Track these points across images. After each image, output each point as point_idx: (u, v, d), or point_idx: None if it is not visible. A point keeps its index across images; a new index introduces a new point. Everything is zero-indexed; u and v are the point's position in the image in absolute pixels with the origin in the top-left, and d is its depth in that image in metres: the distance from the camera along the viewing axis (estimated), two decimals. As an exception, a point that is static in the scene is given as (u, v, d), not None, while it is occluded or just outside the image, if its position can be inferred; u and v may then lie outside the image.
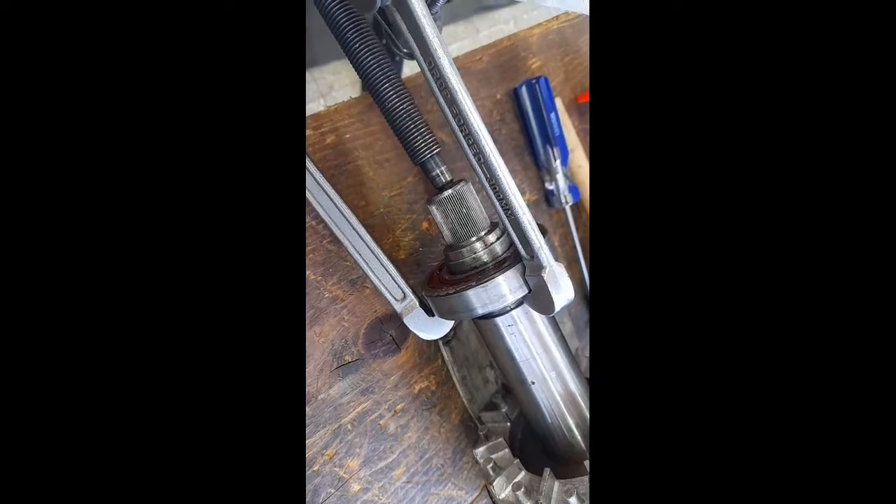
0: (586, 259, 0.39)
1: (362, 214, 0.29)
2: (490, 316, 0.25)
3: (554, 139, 0.34)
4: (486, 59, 0.35)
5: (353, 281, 0.29)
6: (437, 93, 0.22)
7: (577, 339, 0.41)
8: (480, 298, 0.23)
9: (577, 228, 0.39)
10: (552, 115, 0.34)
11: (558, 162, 0.35)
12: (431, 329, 0.26)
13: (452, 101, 0.21)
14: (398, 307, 0.26)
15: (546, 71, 0.38)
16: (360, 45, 0.23)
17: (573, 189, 0.36)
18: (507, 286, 0.23)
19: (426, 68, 0.22)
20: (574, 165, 0.37)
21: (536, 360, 0.26)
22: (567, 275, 0.23)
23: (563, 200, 0.36)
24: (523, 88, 0.34)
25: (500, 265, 0.24)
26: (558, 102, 0.36)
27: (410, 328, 0.26)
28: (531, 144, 0.36)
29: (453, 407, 0.32)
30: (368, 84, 0.24)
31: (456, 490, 0.32)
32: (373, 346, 0.29)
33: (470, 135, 0.22)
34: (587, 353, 0.39)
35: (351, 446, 0.28)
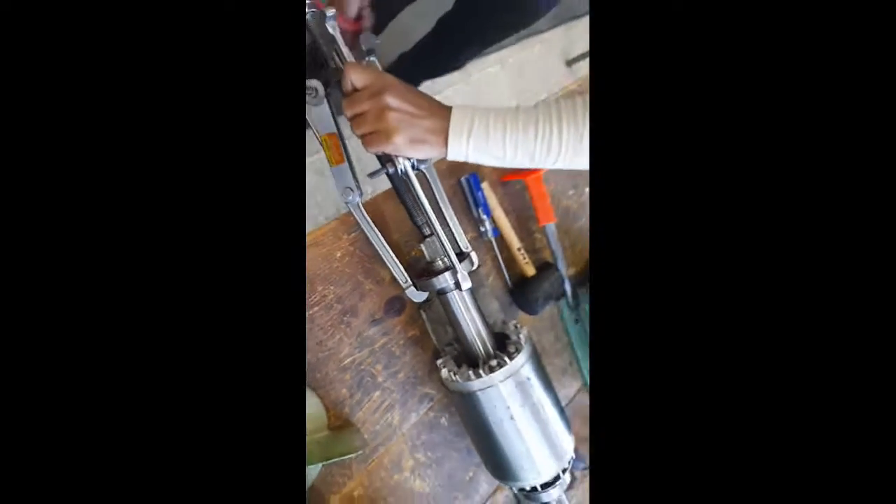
0: (504, 266, 0.68)
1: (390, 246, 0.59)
2: (443, 292, 0.54)
3: (481, 203, 0.65)
4: (443, 164, 0.65)
5: (379, 280, 0.58)
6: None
7: (503, 313, 0.70)
8: (438, 282, 0.53)
9: (501, 251, 0.69)
10: (479, 193, 0.64)
11: (484, 216, 0.65)
12: (417, 297, 0.56)
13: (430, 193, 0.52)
14: (404, 286, 0.55)
15: (478, 166, 0.68)
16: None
17: (494, 230, 0.66)
18: (447, 278, 0.53)
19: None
20: (495, 216, 0.67)
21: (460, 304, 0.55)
22: (467, 273, 0.52)
23: (489, 236, 0.66)
24: (462, 180, 0.64)
25: (447, 269, 0.54)
26: (485, 185, 0.66)
27: (408, 296, 0.55)
28: (469, 206, 0.66)
29: (429, 345, 0.62)
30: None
31: (428, 388, 0.62)
32: (388, 310, 0.59)
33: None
34: (511, 321, 0.68)
35: (375, 360, 0.58)
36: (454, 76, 1.63)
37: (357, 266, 0.56)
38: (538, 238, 0.74)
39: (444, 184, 0.64)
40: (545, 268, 0.71)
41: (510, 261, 0.69)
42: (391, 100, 0.40)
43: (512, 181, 0.70)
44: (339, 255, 0.55)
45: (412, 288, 0.55)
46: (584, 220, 0.79)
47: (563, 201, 0.77)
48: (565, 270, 0.72)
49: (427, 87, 1.11)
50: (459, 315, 0.54)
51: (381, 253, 0.54)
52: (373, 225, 0.52)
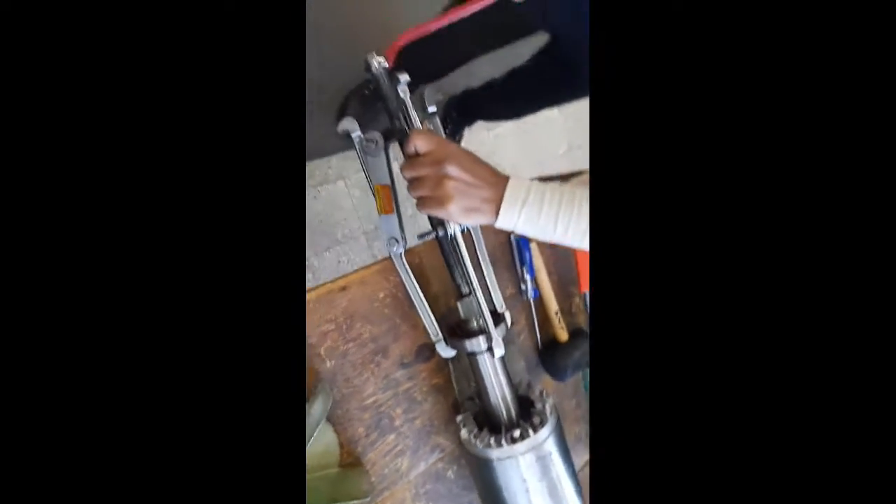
0: (538, 328, 0.68)
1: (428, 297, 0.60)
2: (473, 354, 0.54)
3: (527, 263, 0.64)
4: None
5: (415, 324, 0.59)
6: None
7: (528, 374, 0.69)
8: (470, 345, 0.53)
9: (537, 311, 0.68)
10: (527, 253, 0.64)
11: (527, 276, 0.64)
12: (446, 352, 0.56)
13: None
14: (434, 339, 0.56)
15: (532, 221, 0.68)
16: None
17: (534, 291, 0.65)
18: (481, 342, 0.53)
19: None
20: (538, 278, 0.67)
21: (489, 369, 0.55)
22: (500, 339, 0.51)
23: (528, 297, 0.65)
24: (511, 237, 0.64)
25: (481, 332, 0.54)
26: (533, 245, 0.66)
27: (437, 350, 0.56)
28: (514, 263, 0.66)
29: (451, 394, 0.61)
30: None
31: (442, 439, 0.61)
32: (418, 355, 0.59)
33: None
34: (536, 384, 0.67)
35: (397, 403, 0.58)
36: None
37: (397, 308, 0.57)
38: (576, 303, 0.73)
39: (493, 238, 0.64)
40: (578, 334, 0.70)
41: (544, 321, 0.69)
42: (451, 169, 0.41)
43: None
44: (381, 295, 0.56)
45: (442, 342, 0.55)
46: (625, 291, 0.78)
47: (608, 269, 0.76)
48: (598, 340, 0.71)
49: (480, 125, 1.12)
50: (486, 378, 0.54)
51: (415, 304, 0.54)
52: (412, 276, 0.53)
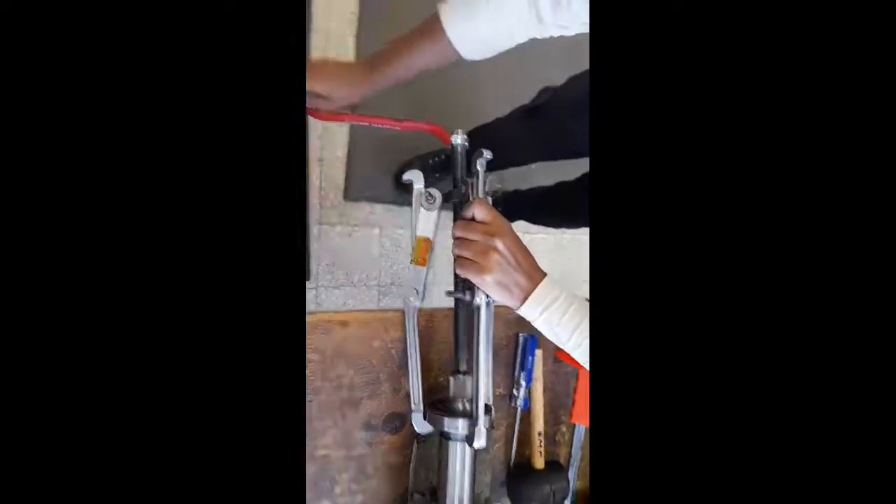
0: (517, 443, 0.62)
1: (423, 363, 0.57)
2: (448, 437, 0.50)
3: (527, 368, 0.62)
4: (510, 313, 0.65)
5: (397, 388, 0.56)
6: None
7: (491, 490, 0.62)
8: (449, 425, 0.49)
9: (521, 424, 0.63)
10: (530, 358, 0.62)
11: (523, 381, 0.61)
12: (421, 426, 0.52)
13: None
14: (413, 408, 0.52)
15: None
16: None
17: (525, 401, 0.62)
18: (461, 425, 0.49)
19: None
20: (533, 388, 0.64)
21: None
22: (483, 432, 0.47)
23: (518, 404, 0.61)
24: (520, 336, 0.63)
25: (464, 414, 0.50)
26: (538, 352, 0.64)
27: (412, 422, 0.51)
28: (513, 362, 0.63)
29: (402, 481, 0.55)
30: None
31: (379, 531, 0.53)
32: (386, 423, 0.54)
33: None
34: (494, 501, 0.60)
35: (345, 468, 0.52)
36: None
37: (385, 364, 0.54)
38: (563, 432, 0.68)
39: (501, 330, 0.63)
40: (555, 468, 0.64)
41: (524, 439, 0.63)
42: (500, 244, 0.43)
43: (566, 362, 0.67)
44: (376, 344, 0.54)
45: (420, 415, 0.52)
46: (615, 439, 0.72)
47: (604, 409, 0.71)
48: (575, 481, 0.64)
49: (519, 224, 1.17)
50: (452, 469, 0.49)
51: (410, 361, 0.52)
52: (416, 333, 0.52)
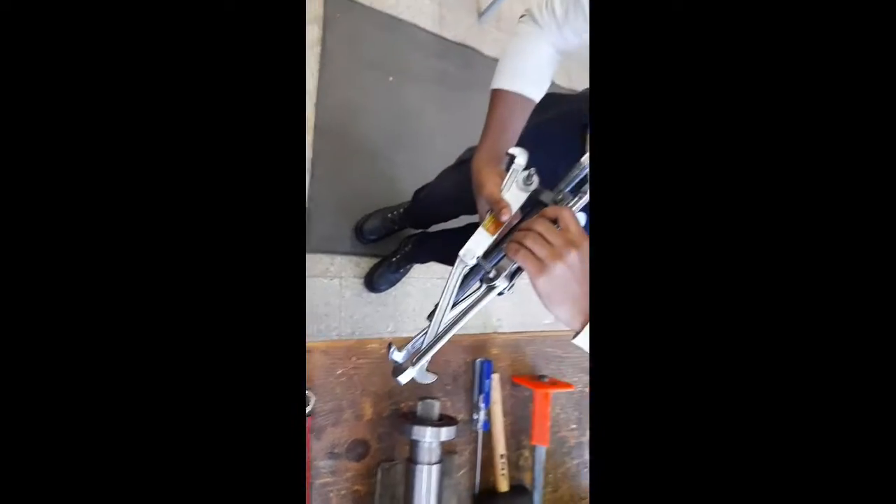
0: (480, 468, 0.64)
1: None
2: (411, 461, 0.52)
3: (484, 392, 0.65)
4: (466, 340, 0.70)
5: (359, 415, 0.57)
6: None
7: (457, 521, 0.62)
8: (417, 433, 0.51)
9: (483, 449, 0.65)
10: (487, 381, 0.66)
11: (482, 405, 0.65)
12: (423, 377, 0.49)
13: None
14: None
15: (497, 357, 0.71)
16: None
17: (485, 423, 0.65)
18: (428, 434, 0.51)
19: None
20: (492, 411, 0.67)
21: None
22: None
23: (479, 427, 0.64)
24: (476, 362, 0.67)
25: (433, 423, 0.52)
26: (495, 376, 0.68)
27: (399, 377, 0.48)
28: (473, 389, 0.67)
29: (368, 512, 0.55)
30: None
31: (344, 568, 0.52)
32: (350, 450, 0.56)
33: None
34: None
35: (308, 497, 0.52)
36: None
37: (348, 392, 0.57)
38: (526, 456, 0.70)
39: (459, 357, 0.67)
40: (519, 491, 0.65)
41: (488, 464, 0.65)
42: (573, 257, 0.41)
43: (523, 386, 0.71)
44: (339, 372, 0.57)
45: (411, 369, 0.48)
46: (576, 463, 0.75)
47: (563, 431, 0.75)
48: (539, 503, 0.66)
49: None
50: (418, 496, 0.51)
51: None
52: (454, 291, 0.48)
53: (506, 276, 0.46)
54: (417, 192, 1.15)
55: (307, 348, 0.55)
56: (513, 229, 0.48)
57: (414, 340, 0.49)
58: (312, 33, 1.37)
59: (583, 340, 0.42)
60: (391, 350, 0.48)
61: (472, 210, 1.12)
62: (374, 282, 1.33)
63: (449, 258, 0.51)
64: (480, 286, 0.48)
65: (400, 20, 1.62)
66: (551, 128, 0.68)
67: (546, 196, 0.49)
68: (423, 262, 1.28)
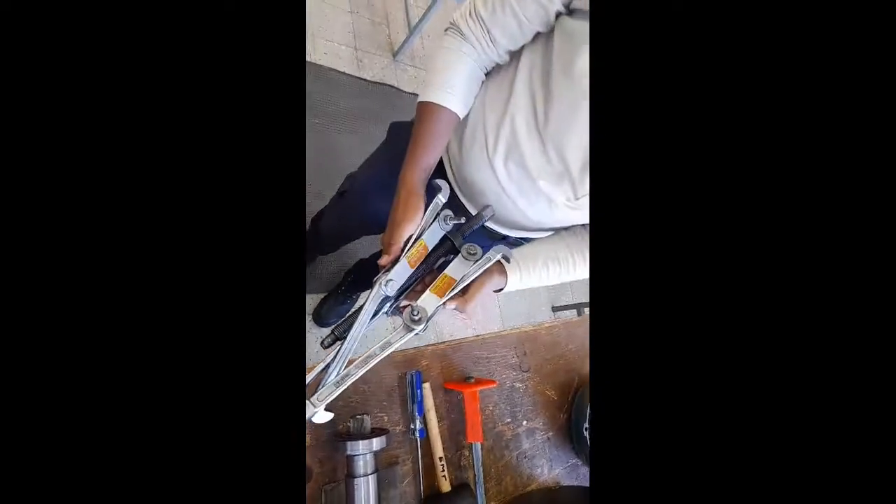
0: (423, 473, 0.69)
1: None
2: (351, 476, 0.55)
3: (417, 401, 0.71)
4: (397, 356, 0.75)
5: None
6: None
7: (405, 528, 0.66)
8: (351, 447, 0.55)
9: (423, 456, 0.70)
10: (419, 391, 0.71)
11: (417, 414, 0.70)
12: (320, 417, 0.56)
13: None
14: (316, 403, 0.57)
15: (428, 367, 0.77)
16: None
17: (421, 431, 0.70)
18: (360, 446, 0.55)
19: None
20: (427, 417, 0.72)
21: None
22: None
23: (416, 435, 0.69)
24: (408, 374, 0.73)
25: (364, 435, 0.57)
26: (426, 385, 0.73)
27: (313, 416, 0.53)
28: (408, 401, 0.72)
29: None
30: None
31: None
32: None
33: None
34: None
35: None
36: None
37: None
38: (466, 456, 0.75)
39: (391, 372, 0.72)
40: (462, 489, 0.71)
41: (429, 470, 0.70)
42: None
43: (454, 391, 0.77)
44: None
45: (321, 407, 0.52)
46: (515, 455, 0.81)
47: (499, 426, 0.81)
48: (483, 499, 0.71)
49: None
50: None
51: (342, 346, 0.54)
52: (370, 318, 0.56)
53: (427, 319, 0.53)
54: (314, 220, 1.22)
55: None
56: (423, 262, 0.57)
57: (314, 373, 0.53)
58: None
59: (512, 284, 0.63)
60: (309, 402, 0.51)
61: (362, 233, 1.20)
62: (323, 316, 1.36)
63: None
64: (402, 328, 0.54)
65: (320, 66, 1.70)
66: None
67: (456, 240, 0.59)
68: (368, 288, 1.33)
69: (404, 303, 0.60)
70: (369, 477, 0.58)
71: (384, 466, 0.64)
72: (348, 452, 0.57)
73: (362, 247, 1.41)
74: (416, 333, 0.54)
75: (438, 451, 0.70)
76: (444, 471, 0.69)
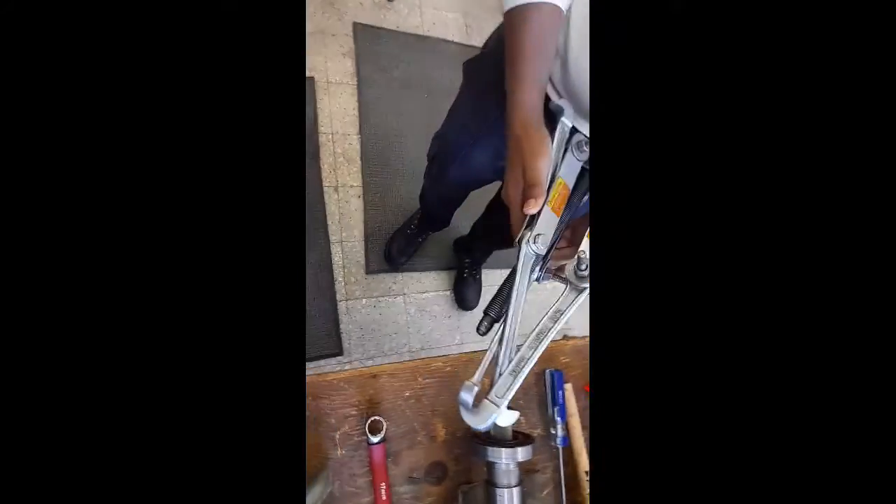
0: (566, 486, 0.60)
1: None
2: (491, 484, 0.50)
3: (559, 404, 0.62)
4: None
5: (433, 436, 0.56)
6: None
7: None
8: (492, 454, 0.49)
9: (566, 464, 0.62)
10: (560, 392, 0.62)
11: (558, 418, 0.61)
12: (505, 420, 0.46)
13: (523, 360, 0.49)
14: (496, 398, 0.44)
15: (568, 365, 0.68)
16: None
17: (563, 438, 0.61)
18: (504, 455, 0.49)
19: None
20: (570, 424, 0.63)
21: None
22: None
23: (557, 442, 0.61)
24: (546, 373, 0.64)
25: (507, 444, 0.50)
26: (568, 386, 0.64)
27: (498, 419, 0.43)
28: (547, 402, 0.63)
29: (453, 538, 0.54)
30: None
31: None
32: (428, 473, 0.54)
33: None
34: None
35: (393, 529, 0.52)
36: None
37: (419, 413, 0.56)
38: (612, 470, 0.65)
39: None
40: (611, 510, 0.61)
41: (572, 483, 0.61)
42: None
43: (598, 395, 0.66)
44: (407, 394, 0.56)
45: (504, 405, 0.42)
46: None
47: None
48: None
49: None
50: None
51: (505, 328, 0.43)
52: (527, 287, 0.43)
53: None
54: (421, 197, 1.16)
55: (373, 373, 0.55)
56: (567, 206, 0.44)
57: (483, 366, 0.42)
58: (346, 66, 1.43)
59: None
60: (462, 391, 0.42)
61: (474, 188, 1.06)
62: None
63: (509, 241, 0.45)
64: (565, 289, 0.43)
65: (427, 37, 1.64)
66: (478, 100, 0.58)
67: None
68: (442, 226, 1.26)
69: (553, 264, 0.47)
70: (513, 490, 0.51)
71: (524, 475, 0.57)
72: (489, 458, 0.51)
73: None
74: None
75: (584, 463, 0.61)
76: (589, 489, 0.60)
